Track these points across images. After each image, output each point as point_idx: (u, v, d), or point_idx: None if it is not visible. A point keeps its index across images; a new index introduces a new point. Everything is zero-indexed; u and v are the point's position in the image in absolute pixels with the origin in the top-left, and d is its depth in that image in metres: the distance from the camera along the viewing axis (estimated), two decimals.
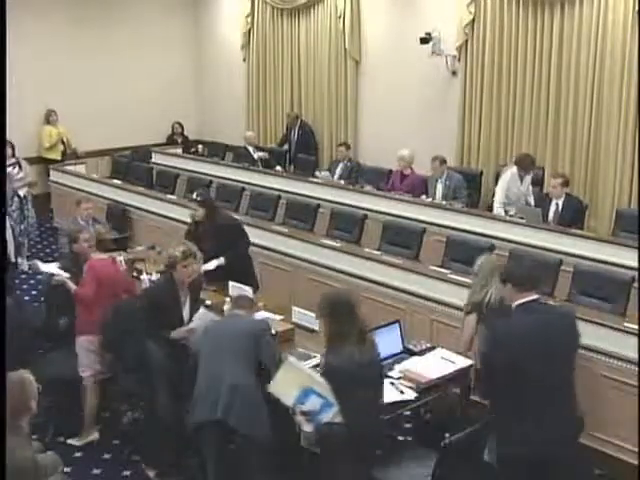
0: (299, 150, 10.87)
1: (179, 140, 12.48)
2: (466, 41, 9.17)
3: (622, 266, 6.10)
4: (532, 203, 7.79)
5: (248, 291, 5.57)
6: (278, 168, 10.28)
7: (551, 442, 3.68)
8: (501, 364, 3.67)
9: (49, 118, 11.27)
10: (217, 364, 4.27)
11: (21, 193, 9.15)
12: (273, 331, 4.80)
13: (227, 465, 4.37)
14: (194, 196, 6.32)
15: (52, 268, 5.71)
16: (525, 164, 7.79)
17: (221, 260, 6.05)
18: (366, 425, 3.80)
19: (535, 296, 3.80)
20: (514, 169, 7.86)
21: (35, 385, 3.90)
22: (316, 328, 5.13)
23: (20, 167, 9.20)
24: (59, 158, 11.19)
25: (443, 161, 8.38)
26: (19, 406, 3.75)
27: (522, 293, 3.76)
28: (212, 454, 4.34)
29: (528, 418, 3.67)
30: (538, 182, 8.22)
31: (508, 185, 7.85)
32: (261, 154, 10.66)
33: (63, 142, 11.35)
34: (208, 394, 4.24)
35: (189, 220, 6.49)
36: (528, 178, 7.87)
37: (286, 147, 11.10)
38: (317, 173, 9.65)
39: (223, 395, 4.15)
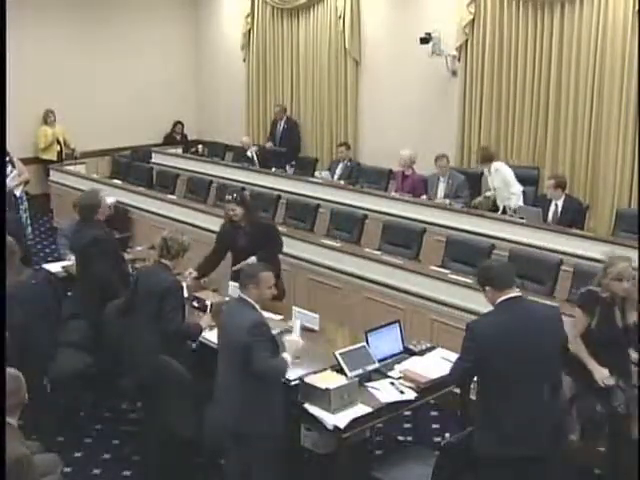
0: (283, 144, 10.89)
1: (178, 138, 12.49)
2: (466, 41, 9.18)
3: None
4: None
5: None
6: (273, 169, 10.23)
7: (529, 439, 3.63)
8: (479, 357, 3.65)
9: (47, 119, 11.27)
10: (223, 367, 4.19)
11: (17, 193, 9.12)
12: (274, 331, 4.41)
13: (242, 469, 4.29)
14: (229, 197, 6.20)
15: None
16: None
17: (253, 259, 5.84)
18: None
19: (517, 293, 3.79)
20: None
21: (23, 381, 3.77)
22: (316, 328, 5.13)
23: (13, 165, 9.15)
24: (55, 159, 11.18)
25: (448, 160, 8.41)
26: (15, 402, 3.66)
27: (502, 292, 3.74)
28: (229, 459, 4.27)
29: (506, 412, 3.63)
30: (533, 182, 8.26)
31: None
32: (254, 148, 10.66)
33: (59, 142, 11.34)
34: (219, 400, 4.19)
35: (223, 219, 6.29)
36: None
37: (270, 144, 11.11)
38: (317, 173, 9.64)
39: (230, 402, 4.09)
